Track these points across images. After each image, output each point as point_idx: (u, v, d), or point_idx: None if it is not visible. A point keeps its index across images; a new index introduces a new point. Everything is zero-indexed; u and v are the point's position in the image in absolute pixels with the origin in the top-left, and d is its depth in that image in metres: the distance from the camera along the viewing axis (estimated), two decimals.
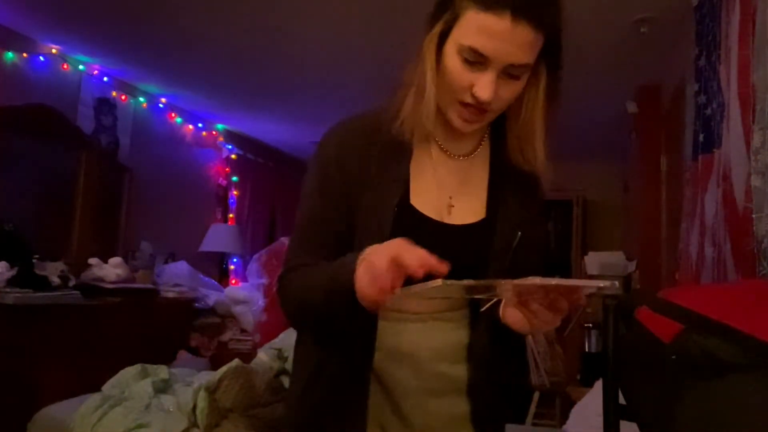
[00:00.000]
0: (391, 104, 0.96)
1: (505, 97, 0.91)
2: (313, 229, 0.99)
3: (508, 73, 0.88)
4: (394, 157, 0.97)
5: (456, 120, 0.93)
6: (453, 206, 0.99)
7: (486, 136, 1.04)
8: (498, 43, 0.85)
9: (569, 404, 2.79)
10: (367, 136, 0.97)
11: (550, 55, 0.91)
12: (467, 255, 0.96)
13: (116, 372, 2.24)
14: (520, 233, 0.99)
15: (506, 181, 1.02)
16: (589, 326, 3.53)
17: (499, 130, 1.02)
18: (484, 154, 1.04)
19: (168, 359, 3.58)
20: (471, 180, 1.02)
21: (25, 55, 3.61)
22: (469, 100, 0.89)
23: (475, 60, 0.86)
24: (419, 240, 0.85)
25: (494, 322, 0.90)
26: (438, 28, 0.90)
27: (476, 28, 0.85)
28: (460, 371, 1.00)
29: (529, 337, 1.15)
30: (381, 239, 0.86)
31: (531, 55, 0.87)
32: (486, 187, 1.03)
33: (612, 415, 1.08)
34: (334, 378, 0.96)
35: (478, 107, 0.90)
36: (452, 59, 0.89)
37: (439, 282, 0.72)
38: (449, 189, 0.99)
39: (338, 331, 0.94)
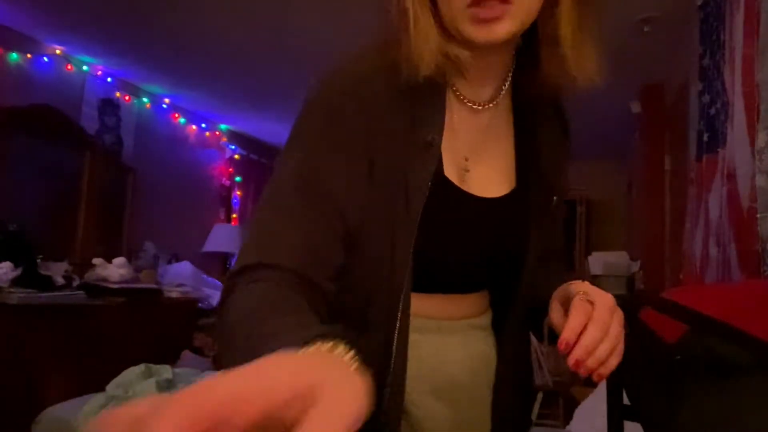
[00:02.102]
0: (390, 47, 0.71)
1: None
2: (296, 186, 0.66)
3: None
4: (423, 106, 0.71)
5: (474, 31, 0.65)
6: (468, 171, 0.75)
7: (509, 78, 0.78)
8: None
9: (573, 404, 2.78)
10: (383, 81, 0.70)
11: None
12: (500, 236, 0.77)
13: (120, 372, 2.24)
14: (556, 198, 0.81)
15: (535, 128, 0.80)
16: None
17: (522, 69, 0.78)
18: (507, 100, 0.80)
19: (171, 359, 3.58)
20: (493, 139, 0.78)
21: (29, 55, 3.62)
22: None
23: None
24: (452, 223, 0.73)
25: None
26: None
27: None
28: (488, 386, 0.81)
29: (533, 337, 0.94)
30: (409, 226, 0.68)
31: None
32: (512, 148, 0.80)
33: (616, 416, 1.08)
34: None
35: None
36: None
37: None
38: (465, 149, 0.75)
39: None
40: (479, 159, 0.76)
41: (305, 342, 0.40)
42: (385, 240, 0.69)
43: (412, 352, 0.71)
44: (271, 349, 0.38)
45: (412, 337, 0.71)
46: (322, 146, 0.69)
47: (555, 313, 0.69)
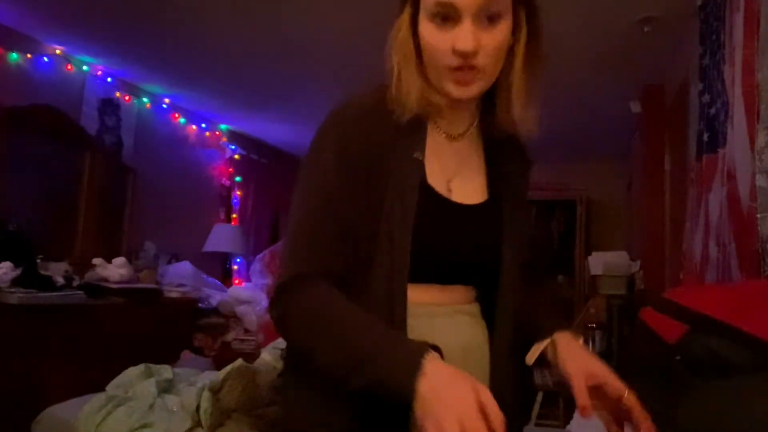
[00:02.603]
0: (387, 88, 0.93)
1: (489, 45, 0.85)
2: (325, 216, 0.87)
3: (485, 17, 0.84)
4: (410, 134, 0.92)
5: (452, 88, 0.88)
6: (451, 190, 0.95)
7: (476, 115, 1.01)
8: None
9: (573, 404, 2.78)
10: (382, 113, 0.91)
11: (527, 2, 0.89)
12: (480, 236, 0.95)
13: (120, 372, 2.24)
14: (524, 210, 1.02)
15: (501, 160, 1.01)
16: (593, 326, 3.52)
17: (487, 109, 0.99)
18: (476, 133, 1.01)
19: (172, 359, 3.57)
20: (467, 161, 0.99)
21: (29, 55, 3.62)
22: (456, 62, 0.85)
23: (446, 14, 0.84)
24: (439, 221, 0.90)
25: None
26: (407, 11, 0.89)
27: None
28: (483, 372, 0.94)
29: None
30: (405, 223, 0.85)
31: None
32: (483, 168, 1.01)
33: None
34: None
35: (468, 65, 0.85)
36: (426, 29, 0.87)
37: None
38: (448, 170, 0.96)
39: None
40: (458, 176, 0.96)
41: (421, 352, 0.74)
42: (384, 237, 0.86)
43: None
44: (378, 344, 0.77)
45: (410, 322, 0.86)
46: (335, 175, 0.88)
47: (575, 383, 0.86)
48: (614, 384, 0.84)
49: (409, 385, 0.71)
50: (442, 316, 0.93)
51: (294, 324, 0.86)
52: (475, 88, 0.89)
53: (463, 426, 0.66)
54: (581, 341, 0.91)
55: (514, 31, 0.89)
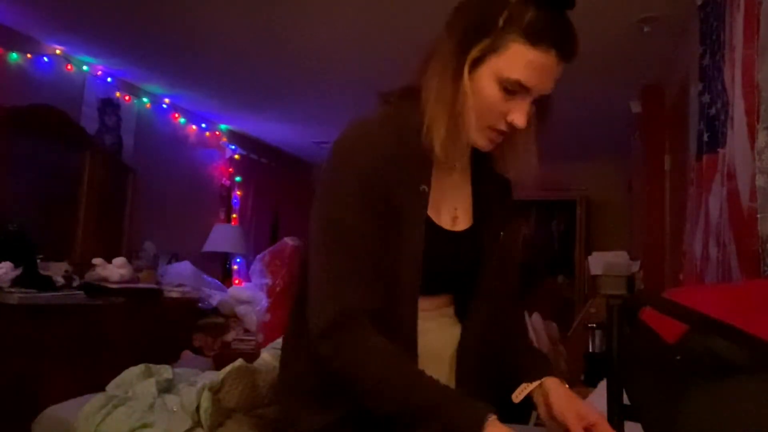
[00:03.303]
0: (411, 113, 0.96)
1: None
2: (361, 250, 0.92)
3: (535, 100, 0.94)
4: (418, 165, 0.97)
5: (484, 142, 0.97)
6: (441, 217, 1.02)
7: (470, 150, 1.07)
8: (542, 77, 0.91)
9: None
10: (394, 144, 0.96)
11: None
12: (463, 258, 1.04)
13: (120, 372, 2.24)
14: (502, 233, 1.08)
15: (486, 188, 1.08)
16: (593, 326, 3.52)
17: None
18: (465, 164, 1.08)
19: (172, 359, 3.58)
20: (460, 190, 1.07)
21: (29, 55, 3.62)
22: (502, 127, 0.94)
23: (517, 91, 0.91)
24: (435, 249, 0.97)
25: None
26: (475, 54, 0.91)
27: (524, 62, 0.89)
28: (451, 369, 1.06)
29: (533, 337, 1.22)
30: (415, 258, 0.94)
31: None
32: (470, 196, 1.08)
33: (616, 416, 1.08)
34: None
35: (508, 131, 0.95)
36: (491, 88, 0.91)
37: None
38: (445, 200, 1.03)
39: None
40: (452, 205, 1.04)
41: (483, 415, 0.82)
42: (401, 262, 0.94)
43: None
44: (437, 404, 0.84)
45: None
46: (362, 211, 0.92)
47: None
48: (603, 425, 0.92)
49: None
50: (430, 320, 1.02)
51: (350, 365, 0.90)
52: (494, 146, 0.99)
53: None
54: (567, 386, 1.00)
55: None
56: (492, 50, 0.90)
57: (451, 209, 1.04)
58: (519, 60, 0.89)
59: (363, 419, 0.93)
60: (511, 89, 0.91)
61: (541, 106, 0.98)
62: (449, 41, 0.93)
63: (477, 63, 0.91)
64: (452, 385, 1.03)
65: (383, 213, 0.93)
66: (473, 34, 0.91)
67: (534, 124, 0.98)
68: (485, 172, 1.07)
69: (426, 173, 0.97)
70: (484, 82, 0.91)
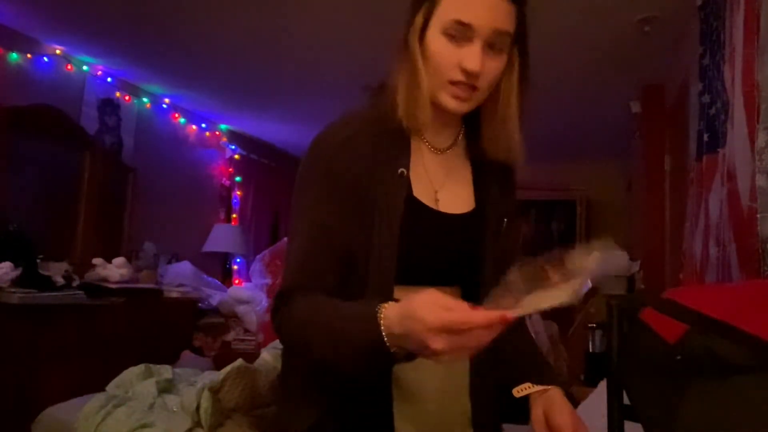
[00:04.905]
0: (380, 100, 0.99)
1: (490, 71, 0.93)
2: (318, 243, 0.95)
3: (491, 45, 0.92)
4: (394, 151, 0.98)
5: (449, 101, 0.95)
6: (438, 200, 1.02)
7: (461, 131, 1.08)
8: (480, 10, 0.90)
9: (573, 404, 2.78)
10: (370, 134, 0.98)
11: (520, 41, 0.97)
12: (464, 243, 1.03)
13: (120, 372, 2.24)
14: (506, 220, 1.08)
15: (487, 173, 1.07)
16: (593, 326, 3.52)
17: (472, 127, 1.07)
18: (462, 148, 1.09)
19: (172, 359, 3.58)
20: (454, 173, 1.06)
21: (29, 55, 3.62)
22: (459, 77, 0.92)
23: (461, 33, 0.90)
24: (426, 231, 0.97)
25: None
26: (420, 19, 0.94)
27: (459, 2, 0.90)
28: (462, 370, 1.03)
29: (533, 337, 1.20)
30: (391, 237, 0.92)
31: (510, 23, 0.92)
32: (470, 180, 1.08)
33: (616, 416, 1.08)
34: (353, 388, 0.94)
35: (469, 83, 0.93)
36: (436, 41, 0.93)
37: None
38: (436, 181, 1.03)
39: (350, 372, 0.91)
40: (445, 187, 1.03)
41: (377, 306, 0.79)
42: (375, 249, 0.93)
43: None
44: (355, 316, 0.82)
45: None
46: (326, 205, 0.95)
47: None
48: None
49: (376, 335, 0.77)
50: None
51: (290, 330, 0.93)
52: (466, 106, 0.96)
53: (441, 318, 0.71)
54: (569, 403, 1.02)
55: (506, 66, 0.97)
56: (431, 10, 0.93)
57: (454, 192, 1.04)
58: (453, 1, 0.91)
59: (343, 415, 0.95)
60: (455, 33, 0.91)
61: (522, 76, 0.98)
62: (405, 23, 0.97)
63: (425, 29, 0.94)
64: (466, 380, 1.02)
65: (357, 204, 0.94)
66: (416, 5, 0.95)
67: (515, 94, 0.98)
68: (486, 161, 1.06)
69: (405, 156, 0.98)
70: (432, 39, 0.93)
